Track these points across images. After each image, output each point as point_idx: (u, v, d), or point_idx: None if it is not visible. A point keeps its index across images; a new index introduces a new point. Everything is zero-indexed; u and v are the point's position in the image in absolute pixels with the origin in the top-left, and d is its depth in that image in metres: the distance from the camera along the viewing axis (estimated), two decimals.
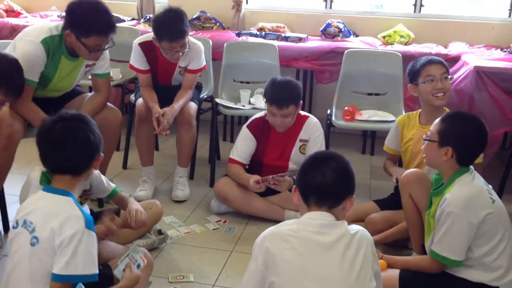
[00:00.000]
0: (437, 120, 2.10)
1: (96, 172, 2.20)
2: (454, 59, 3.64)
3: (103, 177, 2.22)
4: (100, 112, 2.76)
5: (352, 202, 1.68)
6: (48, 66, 2.57)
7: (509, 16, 4.19)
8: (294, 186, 1.73)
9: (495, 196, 2.02)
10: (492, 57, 3.65)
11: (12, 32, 3.98)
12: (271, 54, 3.74)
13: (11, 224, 1.83)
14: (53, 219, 1.64)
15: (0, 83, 2.19)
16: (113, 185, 2.37)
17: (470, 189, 1.98)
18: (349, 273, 1.58)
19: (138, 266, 1.91)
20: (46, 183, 2.12)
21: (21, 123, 2.48)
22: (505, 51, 3.78)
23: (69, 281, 1.63)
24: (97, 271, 1.68)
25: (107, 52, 2.75)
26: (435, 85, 2.54)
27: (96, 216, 2.19)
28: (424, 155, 2.15)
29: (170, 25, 2.89)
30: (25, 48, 2.50)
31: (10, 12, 4.63)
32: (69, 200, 1.72)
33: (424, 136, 2.14)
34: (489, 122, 3.18)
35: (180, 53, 2.97)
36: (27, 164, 3.15)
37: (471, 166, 2.06)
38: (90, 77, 2.89)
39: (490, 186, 2.06)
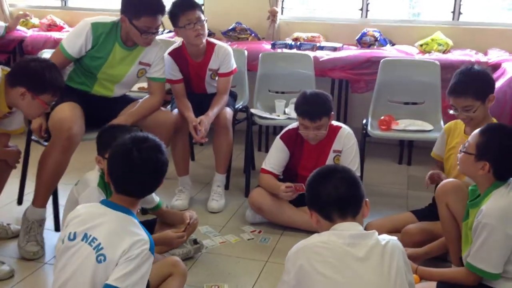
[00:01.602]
0: (476, 131, 2.05)
1: None
2: (494, 67, 3.55)
3: None
4: (153, 113, 2.84)
5: (368, 206, 1.72)
6: (99, 50, 2.72)
7: None
8: (310, 210, 1.74)
9: None
10: None
11: (55, 45, 4.13)
12: (306, 64, 3.74)
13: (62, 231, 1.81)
14: (123, 240, 1.65)
15: (47, 86, 2.28)
16: (158, 199, 2.45)
17: (507, 200, 1.93)
18: (386, 284, 1.57)
19: None
20: (103, 187, 2.19)
21: (80, 127, 2.57)
22: None
23: None
24: None
25: (163, 56, 2.92)
26: (458, 114, 2.45)
27: None
28: (458, 164, 2.11)
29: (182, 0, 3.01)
30: (77, 25, 2.77)
31: (53, 26, 4.81)
32: (133, 220, 1.74)
33: (461, 146, 2.10)
34: None
35: (199, 27, 2.98)
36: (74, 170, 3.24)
37: (509, 179, 2.00)
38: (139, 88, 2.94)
39: None
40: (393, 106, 3.61)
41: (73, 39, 2.71)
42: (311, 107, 2.73)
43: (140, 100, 2.92)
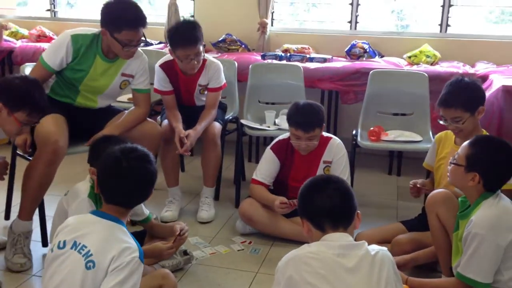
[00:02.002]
0: (466, 143, 2.06)
1: None
2: (482, 79, 3.59)
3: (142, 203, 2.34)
4: (139, 125, 2.83)
5: (360, 218, 1.73)
6: (80, 63, 2.70)
7: None
8: (302, 219, 1.74)
9: None
10: None
11: None
12: (296, 75, 3.76)
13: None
14: (112, 246, 1.66)
15: (23, 104, 2.24)
16: (147, 212, 2.47)
17: (496, 210, 1.94)
18: None
19: None
20: (93, 197, 2.18)
21: (65, 140, 2.55)
22: None
23: None
24: None
25: (147, 67, 2.89)
26: (447, 125, 2.47)
27: None
28: (448, 176, 2.12)
29: (184, 33, 2.98)
30: (57, 37, 2.78)
31: (42, 37, 4.79)
32: (122, 228, 1.74)
33: (451, 158, 2.11)
34: None
35: (195, 62, 3.01)
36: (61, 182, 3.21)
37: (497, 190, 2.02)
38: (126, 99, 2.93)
39: None
40: (383, 117, 3.63)
41: (53, 51, 2.68)
42: (304, 118, 2.74)
43: (126, 112, 2.91)
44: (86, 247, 1.67)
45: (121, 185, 1.77)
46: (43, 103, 2.34)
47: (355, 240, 1.69)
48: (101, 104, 2.86)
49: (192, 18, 3.12)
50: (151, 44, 4.53)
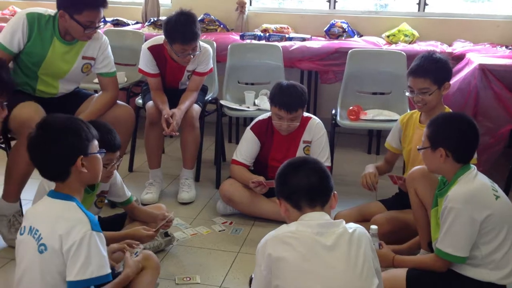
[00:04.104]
0: (424, 128, 2.13)
1: (119, 177, 2.35)
2: (459, 57, 3.63)
3: (123, 184, 2.37)
4: (109, 109, 2.78)
5: (336, 198, 1.75)
6: (36, 43, 2.60)
7: None
8: (279, 199, 1.76)
9: (500, 193, 2.02)
10: (497, 54, 3.64)
11: None
12: (275, 55, 3.75)
13: None
14: (59, 225, 1.64)
15: None
16: (129, 193, 2.44)
17: (472, 185, 1.98)
18: (353, 272, 1.61)
19: (136, 253, 1.98)
20: None
21: None
22: (510, 49, 3.76)
23: (86, 285, 1.63)
24: (110, 271, 1.69)
25: (109, 51, 2.82)
26: (413, 97, 2.54)
27: (105, 223, 2.26)
28: (425, 164, 2.16)
29: (183, 28, 2.93)
30: (12, 18, 2.66)
31: None
32: (72, 204, 1.71)
33: (418, 147, 2.16)
34: (494, 120, 3.26)
35: (191, 56, 3.00)
36: None
37: (473, 165, 2.06)
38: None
39: (496, 185, 2.05)
40: (362, 96, 3.65)
41: (9, 32, 2.58)
42: (288, 98, 2.75)
43: (96, 95, 2.86)
44: (38, 230, 1.66)
45: (32, 156, 1.74)
46: (10, 82, 2.30)
47: (334, 219, 1.72)
48: (62, 90, 2.78)
49: (188, 10, 3.02)
50: (128, 25, 4.46)
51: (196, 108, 3.16)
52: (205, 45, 3.20)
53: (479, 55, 3.56)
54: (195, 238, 2.69)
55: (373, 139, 4.05)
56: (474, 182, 2.00)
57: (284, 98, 2.76)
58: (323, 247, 1.61)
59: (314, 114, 3.15)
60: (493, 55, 3.63)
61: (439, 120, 2.10)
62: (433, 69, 2.50)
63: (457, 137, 2.03)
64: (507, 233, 1.95)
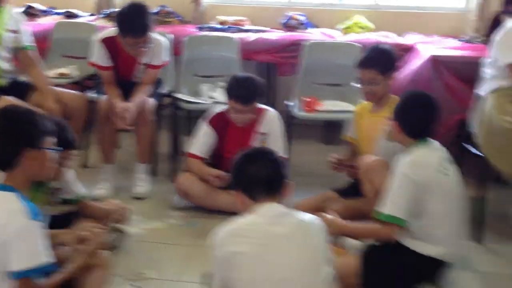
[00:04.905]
0: None
1: (71, 174, 2.31)
2: (409, 49, 3.69)
3: (76, 180, 2.34)
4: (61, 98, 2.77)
5: (291, 188, 1.77)
6: None
7: (466, 5, 4.26)
8: (235, 190, 1.76)
9: (451, 173, 2.08)
10: (448, 46, 3.72)
11: None
12: (232, 47, 3.73)
13: None
14: None
15: None
16: (82, 190, 2.41)
17: (419, 153, 2.08)
18: (307, 261, 1.63)
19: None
20: None
21: None
22: (461, 40, 3.85)
23: (30, 275, 1.61)
24: (52, 260, 1.67)
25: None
26: (363, 88, 2.64)
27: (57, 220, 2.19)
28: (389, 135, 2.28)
29: (134, 20, 2.89)
30: None
31: None
32: (11, 195, 1.68)
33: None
34: (446, 110, 3.32)
35: (144, 49, 2.94)
36: None
37: (431, 141, 2.14)
38: None
39: (452, 166, 2.11)
40: (318, 88, 3.67)
41: None
42: (244, 91, 2.76)
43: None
44: None
45: None
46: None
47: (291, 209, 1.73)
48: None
49: (140, 2, 2.97)
50: (80, 16, 4.34)
51: (151, 101, 3.12)
52: (160, 37, 3.16)
53: (431, 47, 3.63)
54: (150, 233, 2.66)
55: (329, 129, 4.08)
56: (423, 151, 2.09)
57: (240, 90, 2.76)
58: (277, 237, 1.62)
59: (272, 106, 3.14)
60: (444, 46, 3.71)
61: (402, 96, 2.26)
62: (380, 60, 2.61)
63: (409, 113, 2.15)
64: (450, 210, 2.03)
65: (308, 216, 1.72)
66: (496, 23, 2.88)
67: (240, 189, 1.74)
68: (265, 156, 1.77)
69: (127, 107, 2.90)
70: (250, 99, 2.75)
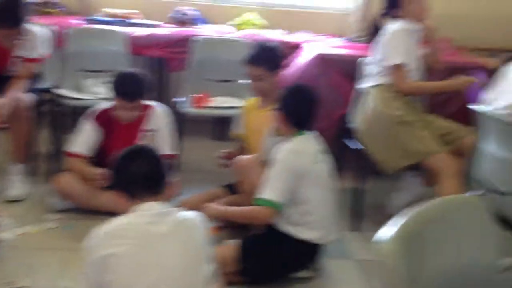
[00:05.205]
0: None
1: None
2: (298, 46, 3.78)
3: None
4: None
5: (177, 186, 1.73)
6: None
7: (350, 6, 4.44)
8: (116, 190, 1.71)
9: (322, 160, 2.22)
10: (334, 45, 3.86)
11: None
12: (120, 41, 3.59)
13: None
14: None
15: None
16: None
17: (297, 142, 2.20)
18: (187, 260, 1.61)
19: None
20: None
21: None
22: (346, 39, 4.01)
23: None
24: None
25: None
26: (251, 84, 2.71)
27: None
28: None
29: (5, 11, 2.71)
30: None
31: None
32: None
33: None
34: (331, 106, 3.44)
35: (19, 41, 2.78)
36: None
37: (309, 132, 2.25)
38: None
39: (325, 156, 2.24)
40: (208, 84, 3.64)
41: None
42: (130, 87, 2.69)
43: None
44: None
45: None
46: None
47: (179, 206, 1.72)
48: None
49: None
50: None
51: (28, 97, 2.92)
52: (38, 28, 2.97)
53: (318, 45, 3.74)
54: (24, 238, 2.48)
55: (220, 126, 4.08)
56: (302, 140, 2.20)
57: (125, 87, 2.70)
58: (157, 236, 1.58)
59: (162, 102, 3.07)
60: (330, 45, 3.84)
61: (287, 88, 2.34)
62: (267, 57, 2.67)
63: (291, 103, 2.24)
64: (322, 196, 2.17)
65: (189, 214, 1.70)
66: (377, 25, 3.02)
67: (120, 188, 1.69)
68: (145, 153, 1.73)
69: (0, 103, 2.69)
70: (136, 95, 2.69)
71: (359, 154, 2.86)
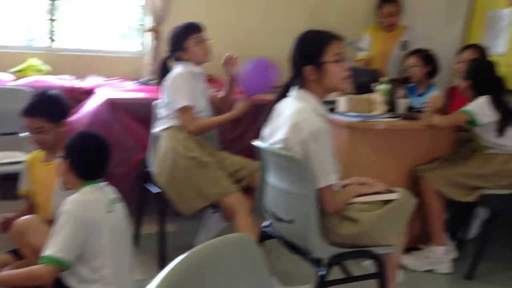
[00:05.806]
0: None
1: None
2: (90, 92, 3.64)
3: None
4: None
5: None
6: None
7: (142, 49, 4.44)
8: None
9: (117, 209, 2.09)
10: (126, 88, 3.80)
11: None
12: None
13: None
14: None
15: None
16: None
17: (87, 192, 2.04)
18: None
19: None
20: None
21: None
22: (138, 82, 3.98)
23: None
24: None
25: None
26: (32, 136, 2.46)
27: None
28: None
29: None
30: None
31: None
32: None
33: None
34: (127, 151, 3.35)
35: None
36: None
37: (99, 181, 2.10)
38: None
39: (119, 205, 2.11)
40: None
41: None
42: None
43: None
44: None
45: None
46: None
47: None
48: None
49: None
50: None
51: None
52: None
53: (109, 90, 3.64)
54: None
55: (7, 183, 3.66)
56: (91, 190, 2.04)
57: None
58: None
59: None
60: (122, 89, 3.77)
61: (73, 135, 2.14)
62: (46, 107, 2.43)
63: (75, 152, 2.08)
64: (117, 249, 2.03)
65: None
66: (164, 67, 3.03)
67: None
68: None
69: None
70: None
71: (160, 198, 2.81)
